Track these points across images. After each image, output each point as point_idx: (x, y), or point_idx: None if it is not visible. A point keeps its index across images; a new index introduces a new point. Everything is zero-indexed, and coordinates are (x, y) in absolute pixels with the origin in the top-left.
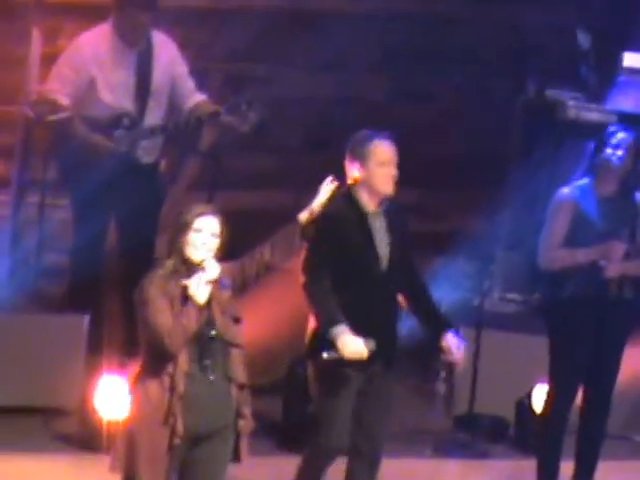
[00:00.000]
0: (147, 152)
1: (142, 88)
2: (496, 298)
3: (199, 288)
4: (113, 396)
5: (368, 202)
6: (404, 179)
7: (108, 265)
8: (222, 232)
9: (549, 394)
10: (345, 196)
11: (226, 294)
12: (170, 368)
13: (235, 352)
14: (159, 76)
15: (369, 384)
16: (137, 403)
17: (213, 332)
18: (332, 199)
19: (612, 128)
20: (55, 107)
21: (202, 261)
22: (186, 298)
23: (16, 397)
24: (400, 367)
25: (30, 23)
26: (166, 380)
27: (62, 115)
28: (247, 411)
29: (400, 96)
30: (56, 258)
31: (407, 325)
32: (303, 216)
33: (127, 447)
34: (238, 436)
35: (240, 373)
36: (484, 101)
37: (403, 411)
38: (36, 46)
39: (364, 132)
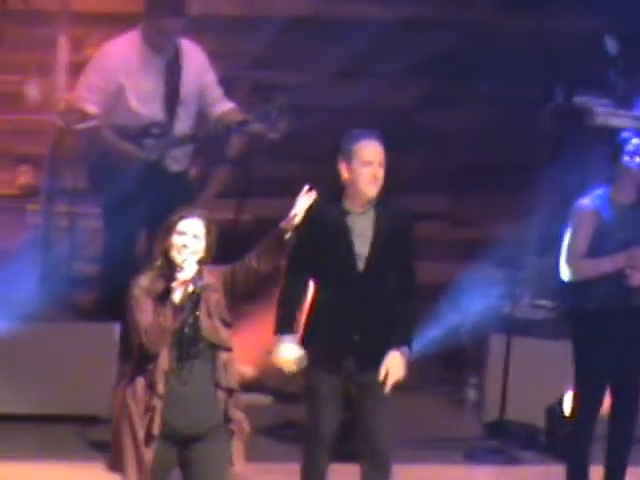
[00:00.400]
0: (176, 160)
1: (171, 96)
2: (526, 305)
3: (176, 289)
4: None
5: (353, 202)
6: (434, 186)
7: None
8: (208, 234)
9: (575, 400)
10: (333, 197)
11: (214, 296)
12: (151, 367)
13: (223, 355)
14: (188, 84)
15: (356, 386)
16: (123, 399)
17: (186, 330)
18: (316, 203)
19: (626, 134)
20: (83, 115)
21: (183, 262)
22: (164, 298)
23: (49, 405)
24: (430, 375)
25: (58, 31)
26: (147, 378)
27: (90, 123)
28: (238, 415)
29: (429, 103)
30: (87, 266)
31: (435, 334)
32: (283, 224)
33: (115, 443)
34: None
35: (227, 377)
36: (513, 108)
37: (434, 418)
38: (64, 54)
39: (353, 132)
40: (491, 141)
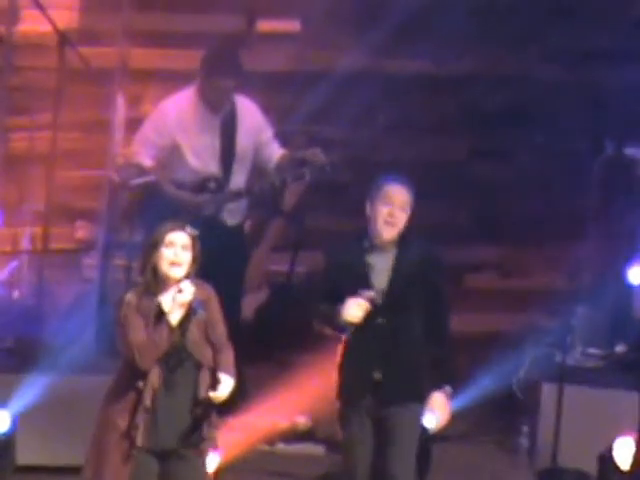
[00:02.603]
0: (232, 214)
1: (227, 152)
2: (578, 353)
3: (173, 308)
4: None
5: (373, 240)
6: (485, 237)
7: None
8: (193, 247)
9: (638, 448)
10: (359, 231)
11: (201, 315)
12: (141, 382)
13: (205, 374)
14: (243, 140)
15: (384, 418)
16: (107, 412)
17: (175, 347)
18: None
19: None
20: (140, 170)
21: (178, 281)
22: (159, 316)
23: None
24: (482, 422)
25: (114, 88)
26: (136, 393)
27: (146, 178)
28: (212, 434)
29: (481, 155)
30: None
31: (487, 382)
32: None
33: (94, 454)
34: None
35: (207, 395)
36: (564, 159)
37: (486, 466)
38: (120, 111)
39: (384, 175)
40: (542, 192)
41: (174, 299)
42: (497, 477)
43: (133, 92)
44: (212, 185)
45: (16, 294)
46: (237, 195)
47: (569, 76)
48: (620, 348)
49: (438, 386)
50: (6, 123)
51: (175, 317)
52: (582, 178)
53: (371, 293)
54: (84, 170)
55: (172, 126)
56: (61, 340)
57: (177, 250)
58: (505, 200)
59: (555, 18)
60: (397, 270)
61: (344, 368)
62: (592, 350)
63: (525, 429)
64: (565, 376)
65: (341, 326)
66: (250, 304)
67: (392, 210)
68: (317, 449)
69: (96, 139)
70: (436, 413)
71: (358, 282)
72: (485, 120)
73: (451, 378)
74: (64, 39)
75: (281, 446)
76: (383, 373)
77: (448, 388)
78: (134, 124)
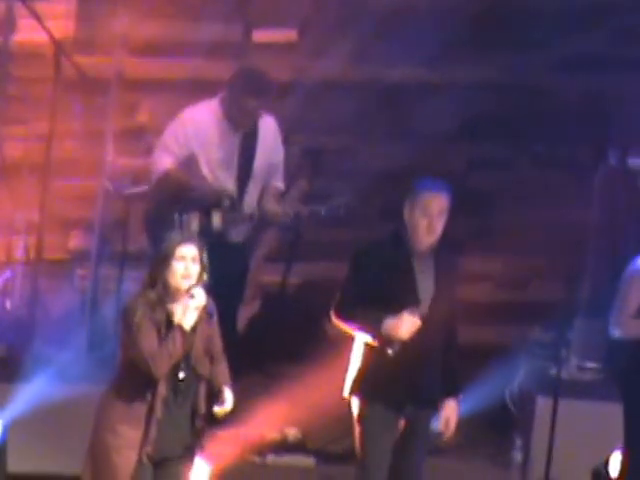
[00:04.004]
0: (238, 233)
1: (244, 170)
2: (573, 366)
3: (186, 314)
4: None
5: (414, 244)
6: (482, 248)
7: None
8: (201, 259)
9: (625, 462)
10: (394, 235)
11: (208, 328)
12: (149, 392)
13: (204, 387)
14: (261, 160)
15: (407, 427)
16: (111, 421)
17: (182, 369)
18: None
19: None
20: (177, 181)
21: (189, 288)
22: (171, 324)
23: None
24: (476, 436)
25: (110, 98)
26: (144, 403)
27: (139, 189)
28: (204, 443)
29: (480, 165)
30: None
31: (481, 395)
32: None
33: (94, 461)
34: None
35: (206, 407)
36: (565, 169)
37: (479, 478)
38: (115, 121)
39: (427, 179)
40: (542, 202)
41: (187, 305)
42: None
43: (129, 101)
44: (227, 203)
45: (8, 304)
46: (250, 218)
47: (572, 85)
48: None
49: (452, 394)
50: (1, 132)
51: (189, 323)
52: (583, 189)
53: (420, 310)
54: (78, 180)
55: (191, 137)
56: (53, 350)
57: (188, 264)
58: (504, 210)
59: (558, 26)
60: (438, 279)
61: (374, 367)
62: (588, 364)
63: (518, 442)
64: (560, 389)
65: (386, 339)
66: (243, 315)
67: (431, 221)
68: (307, 461)
69: (90, 149)
70: (447, 425)
71: (406, 287)
72: (484, 129)
73: (461, 387)
74: (60, 49)
75: (271, 457)
76: (417, 377)
77: (460, 397)
78: (128, 134)
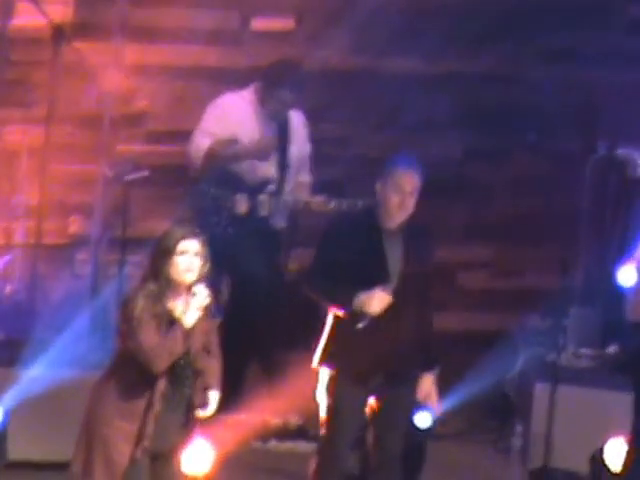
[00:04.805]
0: (280, 219)
1: (282, 159)
2: (570, 353)
3: (188, 312)
4: (195, 452)
5: (384, 221)
6: (480, 236)
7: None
8: (203, 253)
9: (630, 450)
10: (367, 211)
11: (203, 325)
12: (148, 387)
13: (200, 381)
14: (294, 151)
15: (380, 400)
16: (106, 412)
17: (181, 361)
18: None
19: None
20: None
21: (191, 285)
22: (173, 320)
23: None
24: (475, 423)
25: (109, 83)
26: (143, 397)
27: (141, 174)
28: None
29: (475, 155)
30: None
31: (480, 383)
32: None
33: (86, 451)
34: None
35: (199, 398)
36: (557, 159)
37: (479, 466)
38: (114, 106)
39: (400, 155)
40: (535, 192)
41: (188, 303)
42: (489, 477)
43: (127, 87)
44: (271, 187)
45: (8, 288)
46: (294, 204)
47: (562, 76)
48: (612, 349)
49: (428, 367)
50: (0, 116)
51: (190, 321)
52: (575, 178)
53: (391, 287)
54: (78, 164)
55: (233, 119)
56: (53, 335)
57: (191, 257)
58: (499, 200)
59: (549, 18)
60: (407, 254)
61: (343, 338)
62: (584, 350)
63: (518, 429)
64: (558, 376)
65: (357, 313)
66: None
67: (403, 198)
68: (309, 447)
69: (90, 133)
70: (429, 398)
71: (375, 261)
72: (479, 119)
73: (437, 361)
74: (59, 33)
75: (274, 443)
76: (386, 351)
77: (436, 370)
78: (127, 120)
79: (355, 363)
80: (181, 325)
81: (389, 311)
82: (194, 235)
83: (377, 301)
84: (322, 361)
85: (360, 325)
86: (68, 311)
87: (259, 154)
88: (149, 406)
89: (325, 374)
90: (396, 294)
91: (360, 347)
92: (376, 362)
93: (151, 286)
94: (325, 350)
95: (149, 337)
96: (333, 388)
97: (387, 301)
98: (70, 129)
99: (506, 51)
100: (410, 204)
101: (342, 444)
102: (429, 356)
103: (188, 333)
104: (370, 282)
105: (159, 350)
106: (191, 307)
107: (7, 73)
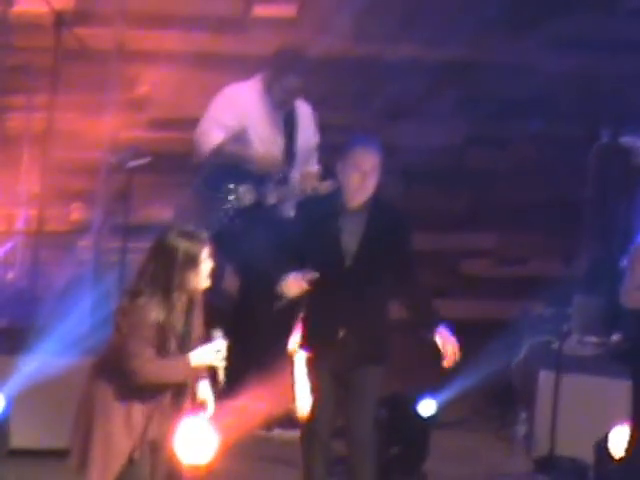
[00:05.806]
0: (289, 209)
1: (289, 149)
2: (574, 341)
3: (201, 356)
4: (194, 439)
5: (346, 202)
6: (483, 224)
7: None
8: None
9: (632, 437)
10: (334, 192)
11: (198, 322)
12: (153, 397)
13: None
14: (301, 142)
15: (347, 378)
16: (114, 405)
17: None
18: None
19: None
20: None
21: (216, 339)
22: (173, 330)
23: None
24: (479, 410)
25: (111, 70)
26: (144, 415)
27: (142, 161)
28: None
29: (478, 142)
30: None
31: (484, 370)
32: None
33: (84, 443)
34: None
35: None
36: (560, 147)
37: (483, 453)
38: (115, 93)
39: (358, 135)
40: (539, 179)
41: (210, 357)
42: (494, 465)
43: (128, 73)
44: (280, 175)
45: (10, 275)
46: (301, 193)
47: (566, 64)
48: (616, 337)
49: (435, 324)
50: (1, 103)
51: (197, 362)
52: (578, 166)
53: (313, 275)
54: (80, 151)
55: (241, 108)
56: (55, 322)
57: (210, 263)
58: (502, 187)
59: (553, 6)
60: (367, 234)
61: (310, 322)
62: (589, 338)
63: (522, 417)
64: (562, 364)
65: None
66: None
67: (362, 176)
68: None
69: (92, 120)
70: (446, 347)
71: (328, 242)
72: (482, 107)
73: (439, 316)
74: (60, 19)
75: (278, 431)
76: (348, 333)
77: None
78: (129, 106)
79: (323, 345)
80: (186, 360)
81: (344, 291)
82: (207, 239)
83: (291, 286)
84: (301, 345)
85: (277, 305)
86: (70, 298)
87: (265, 168)
88: (149, 419)
89: (301, 357)
90: (354, 273)
91: (326, 328)
92: (342, 343)
93: (166, 296)
94: (302, 334)
95: (142, 345)
96: (308, 370)
97: (302, 288)
98: (72, 116)
99: (509, 38)
100: (370, 183)
101: (319, 420)
102: (431, 314)
103: (191, 370)
104: (325, 263)
105: (154, 370)
106: (207, 351)
107: (9, 60)
